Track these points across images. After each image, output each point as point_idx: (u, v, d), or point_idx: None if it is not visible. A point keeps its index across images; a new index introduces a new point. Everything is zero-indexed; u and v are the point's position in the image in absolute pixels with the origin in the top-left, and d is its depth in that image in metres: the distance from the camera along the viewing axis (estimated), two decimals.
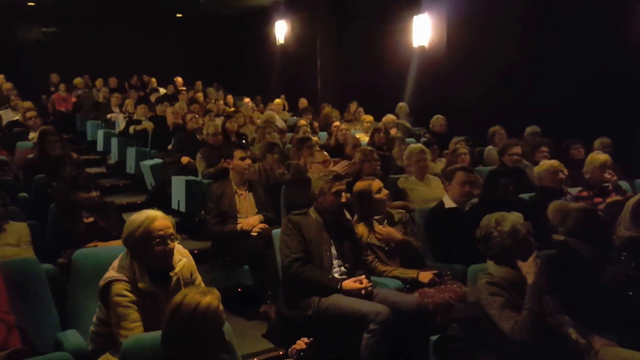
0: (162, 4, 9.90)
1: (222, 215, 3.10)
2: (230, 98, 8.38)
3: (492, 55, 5.75)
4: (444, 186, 2.98)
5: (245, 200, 3.19)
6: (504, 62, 5.61)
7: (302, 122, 5.72)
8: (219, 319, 1.44)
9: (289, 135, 5.40)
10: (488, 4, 5.89)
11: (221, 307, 1.46)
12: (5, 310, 1.78)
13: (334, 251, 2.43)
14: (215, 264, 3.15)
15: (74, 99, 7.95)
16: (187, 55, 11.08)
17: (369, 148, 3.89)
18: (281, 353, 2.46)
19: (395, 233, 2.58)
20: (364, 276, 2.33)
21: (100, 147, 6.50)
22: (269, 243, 2.77)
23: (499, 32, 5.69)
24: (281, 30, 9.46)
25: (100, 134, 6.52)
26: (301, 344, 1.62)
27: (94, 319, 1.81)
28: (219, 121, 5.20)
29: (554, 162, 3.28)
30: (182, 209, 4.03)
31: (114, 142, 6.10)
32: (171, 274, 1.80)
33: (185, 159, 4.57)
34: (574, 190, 3.39)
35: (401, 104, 6.65)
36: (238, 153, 3.22)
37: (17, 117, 6.05)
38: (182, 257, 1.86)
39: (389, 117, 5.89)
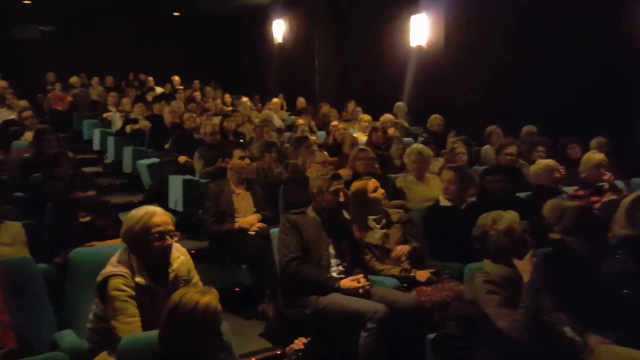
0: (160, 2, 9.86)
1: (220, 215, 3.10)
2: (228, 97, 8.36)
3: (490, 55, 5.77)
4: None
5: (243, 200, 3.19)
6: (501, 61, 5.63)
7: (301, 121, 5.72)
8: (218, 319, 1.44)
9: (287, 134, 5.40)
10: (485, 3, 5.91)
11: (220, 307, 1.46)
12: (0, 310, 1.77)
13: (332, 250, 2.43)
14: (213, 263, 3.15)
15: (70, 98, 7.91)
16: (185, 54, 11.04)
17: (364, 147, 3.90)
18: (279, 352, 2.46)
19: (403, 249, 2.54)
20: (361, 275, 2.34)
21: (96, 146, 6.46)
22: (267, 242, 2.77)
23: (496, 32, 5.70)
24: (279, 29, 9.44)
25: (96, 133, 6.49)
26: (299, 343, 1.61)
27: (91, 315, 1.81)
28: (216, 120, 5.19)
29: (550, 162, 3.30)
30: (180, 208, 4.02)
31: (111, 141, 6.07)
32: (169, 270, 1.80)
33: (182, 158, 4.56)
34: (570, 189, 3.41)
35: (399, 103, 6.66)
36: (237, 152, 3.23)
37: (12, 116, 6.01)
38: (180, 255, 1.86)
39: (387, 116, 5.90)
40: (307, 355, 1.60)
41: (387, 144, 4.55)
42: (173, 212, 3.96)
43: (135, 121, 6.05)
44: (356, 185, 2.72)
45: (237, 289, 3.09)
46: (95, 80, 8.68)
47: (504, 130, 4.74)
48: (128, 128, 6.00)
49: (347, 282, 2.30)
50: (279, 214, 3.26)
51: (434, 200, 3.00)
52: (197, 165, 4.27)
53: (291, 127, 5.81)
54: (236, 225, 3.05)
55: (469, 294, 2.13)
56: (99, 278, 1.74)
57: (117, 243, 1.96)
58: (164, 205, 4.05)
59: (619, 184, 3.57)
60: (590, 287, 2.08)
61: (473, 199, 3.00)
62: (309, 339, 1.63)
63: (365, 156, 3.57)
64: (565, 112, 4.96)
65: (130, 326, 1.65)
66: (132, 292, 1.70)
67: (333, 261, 2.42)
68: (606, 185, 3.36)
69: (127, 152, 5.60)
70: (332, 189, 2.44)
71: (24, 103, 6.28)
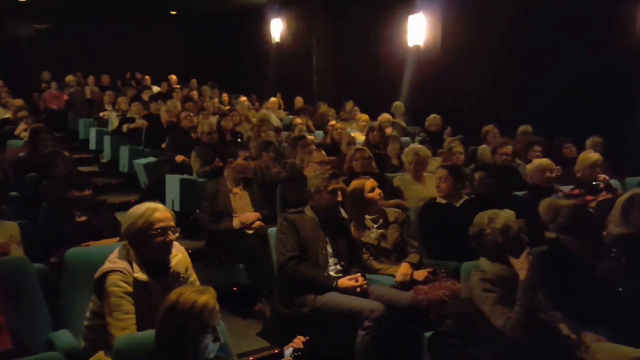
0: (157, 1, 9.81)
1: (217, 214, 3.09)
2: (225, 96, 8.34)
3: (486, 55, 5.79)
4: None
5: (240, 199, 3.18)
6: (498, 61, 5.66)
7: (298, 120, 5.72)
8: (215, 319, 1.44)
9: (284, 133, 5.39)
10: (482, 4, 5.93)
11: (217, 306, 1.46)
12: None
13: (329, 249, 2.44)
14: (210, 262, 3.14)
15: (65, 97, 7.87)
16: (182, 53, 10.99)
17: (361, 147, 3.90)
18: (277, 351, 2.46)
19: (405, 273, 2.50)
20: (359, 274, 2.34)
21: (92, 145, 6.44)
22: (264, 241, 2.77)
23: (493, 32, 5.73)
24: (277, 28, 9.43)
25: (92, 132, 6.46)
26: (298, 342, 1.61)
27: (88, 313, 1.80)
28: (213, 119, 5.17)
29: (544, 161, 3.31)
30: (177, 208, 4.01)
31: (107, 140, 6.05)
32: (168, 267, 1.80)
33: (179, 158, 4.54)
34: (566, 189, 3.43)
35: (397, 103, 6.67)
36: (243, 153, 3.22)
37: (7, 115, 5.98)
38: (178, 253, 1.87)
39: (385, 116, 5.91)
40: (305, 353, 1.60)
41: (385, 144, 4.56)
42: None
43: (132, 120, 6.02)
44: (354, 184, 2.73)
45: (235, 289, 3.08)
46: (91, 79, 8.63)
47: (501, 130, 4.76)
48: (125, 127, 5.97)
49: (344, 281, 2.30)
50: (276, 213, 3.25)
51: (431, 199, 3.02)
52: (194, 165, 4.26)
53: (289, 127, 5.81)
54: (236, 220, 3.04)
55: (465, 292, 2.14)
56: (97, 274, 1.74)
57: (113, 243, 1.95)
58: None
59: (614, 183, 3.59)
60: (585, 285, 2.09)
61: (467, 197, 3.01)
62: (307, 337, 1.62)
63: (362, 156, 3.57)
64: (561, 111, 4.99)
65: (123, 323, 1.65)
66: (130, 289, 1.69)
67: (330, 260, 2.42)
68: (601, 185, 3.38)
69: (124, 151, 5.58)
70: (329, 188, 2.44)
71: (19, 102, 6.24)
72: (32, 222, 2.71)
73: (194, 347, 1.42)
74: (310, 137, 4.54)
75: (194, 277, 1.90)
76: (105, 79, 8.95)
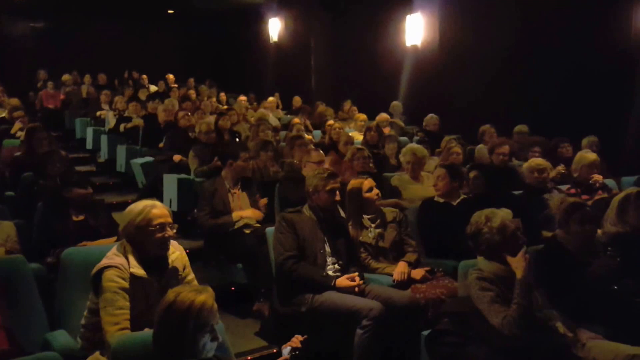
0: None
1: (216, 214, 3.08)
2: (223, 95, 8.33)
3: (484, 55, 5.81)
4: None
5: (238, 199, 3.18)
6: (495, 61, 5.67)
7: (296, 120, 5.71)
8: (213, 318, 1.44)
9: (282, 133, 5.39)
10: (479, 4, 5.95)
11: (215, 305, 1.46)
12: None
13: (327, 248, 2.44)
14: (208, 262, 3.14)
15: (62, 96, 7.83)
16: (179, 52, 10.95)
17: (359, 146, 3.91)
18: (275, 351, 2.46)
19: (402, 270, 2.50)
20: (357, 273, 2.35)
21: (89, 145, 6.41)
22: (262, 241, 2.77)
23: (491, 32, 5.74)
24: (275, 27, 9.42)
25: (89, 131, 6.43)
26: (296, 341, 1.61)
27: (85, 312, 1.80)
28: (211, 119, 5.16)
29: (538, 160, 3.33)
30: (174, 207, 3.99)
31: (104, 139, 6.02)
32: (166, 263, 1.81)
33: (177, 157, 4.53)
34: (562, 188, 3.45)
35: (395, 102, 6.68)
36: (244, 155, 3.23)
37: (3, 114, 5.94)
38: (175, 250, 1.88)
39: (383, 115, 5.91)
40: (303, 352, 1.60)
41: (383, 143, 4.56)
42: None
43: (129, 120, 6.01)
44: (352, 183, 2.73)
45: (233, 288, 3.08)
46: (87, 78, 8.59)
47: (497, 130, 4.78)
48: (122, 127, 5.95)
49: (342, 281, 2.30)
50: (274, 213, 3.25)
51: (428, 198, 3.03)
52: (192, 164, 4.25)
53: (287, 126, 5.81)
54: (236, 217, 3.03)
55: (462, 291, 2.15)
56: (94, 270, 1.74)
57: (110, 243, 1.95)
58: None
59: (609, 182, 3.61)
60: (581, 284, 2.10)
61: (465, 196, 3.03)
62: (305, 336, 1.63)
63: (361, 155, 3.58)
64: (557, 111, 5.01)
65: (116, 318, 1.65)
66: (125, 284, 1.70)
67: (329, 259, 2.42)
68: (598, 184, 3.40)
69: (121, 150, 5.56)
70: (328, 188, 2.44)
71: (15, 101, 6.20)
72: (28, 222, 2.71)
73: (192, 346, 1.42)
74: (308, 136, 4.54)
75: (191, 276, 1.91)
76: (102, 78, 8.91)
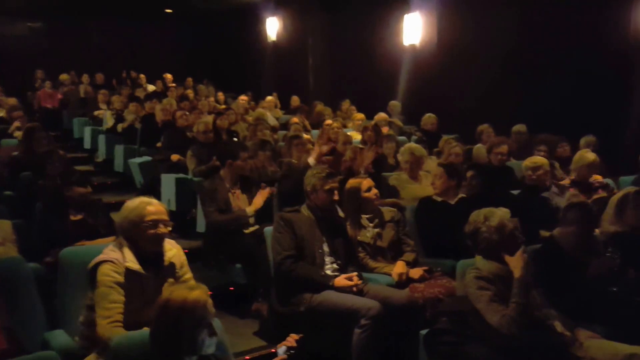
0: None
1: (221, 211, 3.06)
2: (221, 95, 8.33)
3: (482, 54, 5.82)
4: None
5: (238, 199, 3.17)
6: (494, 61, 5.68)
7: (295, 120, 5.70)
8: (208, 313, 1.45)
9: (281, 133, 5.39)
10: (478, 3, 5.95)
11: (210, 301, 1.47)
12: None
13: (326, 248, 2.44)
14: (207, 262, 3.13)
15: (60, 96, 7.81)
16: (177, 52, 10.94)
17: (360, 146, 3.91)
18: (273, 350, 2.45)
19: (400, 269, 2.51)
20: (355, 273, 2.35)
21: (87, 144, 6.40)
22: (260, 241, 2.77)
23: (489, 32, 5.75)
24: (272, 27, 9.41)
25: (87, 131, 6.42)
26: (291, 340, 1.61)
27: (83, 310, 1.80)
28: (209, 118, 5.16)
29: (534, 159, 3.31)
30: (173, 207, 3.99)
31: (102, 139, 6.02)
32: (162, 259, 1.82)
33: (175, 157, 4.52)
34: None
35: (393, 102, 6.69)
36: (244, 154, 3.22)
37: (1, 114, 5.93)
38: (172, 248, 1.89)
39: (381, 115, 5.92)
40: (300, 351, 1.60)
41: (380, 143, 4.56)
42: None
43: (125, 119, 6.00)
44: (351, 183, 2.74)
45: (232, 288, 3.08)
46: (85, 78, 8.58)
47: (495, 129, 4.79)
48: (119, 127, 5.95)
49: (341, 281, 2.31)
50: (273, 212, 3.25)
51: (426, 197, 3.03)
52: (190, 164, 4.25)
53: (285, 126, 5.80)
54: (250, 211, 3.01)
55: (460, 290, 2.15)
56: (90, 265, 1.76)
57: (108, 242, 1.95)
58: None
59: (608, 181, 3.62)
60: (579, 283, 2.11)
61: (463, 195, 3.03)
62: (300, 335, 1.63)
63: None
64: (556, 111, 5.02)
65: (108, 312, 1.66)
66: (120, 279, 1.71)
67: (327, 259, 2.43)
68: (597, 183, 3.40)
69: (119, 150, 5.55)
70: (326, 187, 2.44)
71: (12, 101, 6.20)
72: (26, 222, 2.70)
73: (190, 343, 1.42)
74: (306, 136, 4.53)
75: (189, 275, 1.91)
76: (100, 77, 8.89)
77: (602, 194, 3.23)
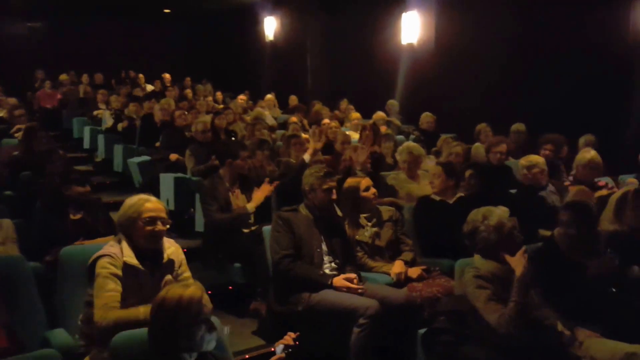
0: None
1: (220, 210, 3.07)
2: (219, 95, 8.33)
3: (480, 53, 5.82)
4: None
5: (237, 198, 3.18)
6: (492, 60, 5.68)
7: (294, 119, 5.71)
8: (205, 308, 1.45)
9: (279, 132, 5.39)
10: (476, 2, 5.95)
11: (205, 296, 1.47)
12: None
13: (324, 247, 2.44)
14: (206, 262, 3.14)
15: (59, 96, 7.82)
16: (176, 52, 10.95)
17: (360, 145, 3.91)
18: (272, 349, 2.47)
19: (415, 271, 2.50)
20: (355, 275, 2.35)
21: (87, 144, 6.41)
22: (259, 240, 2.77)
23: (487, 30, 5.75)
24: (270, 26, 9.42)
25: (86, 131, 6.43)
26: (288, 339, 1.61)
27: (83, 308, 1.82)
28: (207, 118, 5.16)
29: (530, 157, 3.28)
30: (171, 207, 4.00)
31: (101, 139, 6.02)
32: (161, 256, 1.84)
33: (173, 156, 4.53)
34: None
35: (391, 101, 6.69)
36: (244, 153, 3.23)
37: (1, 114, 5.94)
38: (170, 246, 1.90)
39: (379, 114, 5.92)
40: (298, 350, 1.61)
41: (379, 142, 4.56)
42: None
43: (127, 119, 6.00)
44: (349, 182, 2.74)
45: (230, 288, 3.09)
46: (84, 78, 8.59)
47: (494, 129, 4.79)
48: (119, 127, 5.95)
49: (340, 281, 2.31)
50: (271, 212, 3.25)
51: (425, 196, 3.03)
52: (189, 163, 4.26)
53: (284, 125, 5.81)
54: (251, 208, 3.01)
55: (459, 289, 2.15)
56: (89, 261, 1.78)
57: (107, 241, 1.95)
58: None
59: (607, 180, 3.62)
60: (579, 282, 2.10)
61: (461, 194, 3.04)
62: (297, 333, 1.63)
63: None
64: (555, 109, 5.02)
65: (105, 300, 1.67)
66: (118, 272, 1.73)
67: (325, 258, 2.43)
68: (600, 182, 3.39)
69: (118, 150, 5.56)
70: (324, 186, 2.44)
71: (13, 101, 6.21)
72: (26, 221, 2.71)
73: (188, 341, 1.43)
74: (304, 135, 4.54)
75: (187, 273, 1.92)
76: (99, 77, 8.91)
77: (604, 192, 3.20)
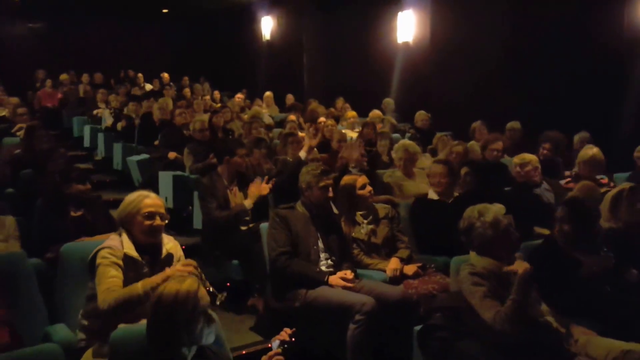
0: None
1: (220, 207, 3.09)
2: (217, 94, 8.35)
3: (475, 52, 5.83)
4: (429, 180, 3.05)
5: (235, 195, 3.20)
6: (487, 58, 5.70)
7: (292, 117, 5.72)
8: (202, 301, 1.48)
9: (276, 130, 5.41)
10: (471, 1, 5.96)
11: (202, 290, 1.50)
12: None
13: (320, 245, 2.46)
14: (204, 259, 3.16)
15: (60, 96, 7.84)
16: (174, 51, 10.96)
17: (351, 142, 3.92)
18: (269, 345, 2.49)
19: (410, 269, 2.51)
20: (349, 271, 2.37)
21: (87, 143, 6.43)
22: (257, 237, 2.80)
23: (482, 29, 5.77)
24: (267, 26, 9.44)
25: (86, 129, 6.45)
26: (285, 335, 1.63)
27: (84, 302, 1.85)
28: (205, 117, 5.19)
29: (523, 155, 3.30)
30: (170, 204, 4.02)
31: (101, 137, 6.04)
32: (161, 250, 1.88)
33: (172, 155, 4.55)
34: (562, 182, 3.46)
35: (387, 99, 6.70)
36: (240, 150, 3.24)
37: (3, 113, 5.96)
38: (169, 242, 1.94)
39: (375, 112, 5.93)
40: (294, 346, 1.62)
41: (375, 140, 4.58)
42: None
43: (127, 118, 6.02)
44: (346, 179, 2.76)
45: (228, 284, 3.11)
46: (85, 78, 8.62)
47: (489, 126, 4.81)
48: (118, 126, 5.97)
49: (335, 279, 2.33)
50: (268, 209, 3.28)
51: (421, 196, 3.05)
52: (187, 161, 4.28)
53: (281, 124, 5.83)
54: (249, 204, 3.03)
55: (454, 286, 2.16)
56: (90, 255, 1.82)
57: (107, 237, 1.98)
58: None
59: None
60: (574, 282, 2.09)
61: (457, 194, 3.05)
62: (294, 329, 1.65)
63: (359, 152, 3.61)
64: (549, 107, 5.04)
65: (106, 285, 1.71)
66: (119, 262, 1.78)
67: (322, 255, 2.45)
68: (603, 179, 3.39)
69: (117, 148, 5.58)
70: (321, 184, 2.46)
71: (15, 100, 6.23)
72: (27, 219, 2.72)
73: (187, 334, 1.45)
74: (301, 134, 4.56)
75: None
76: (98, 77, 8.94)
77: (606, 189, 3.19)
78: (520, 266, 1.89)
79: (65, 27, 9.92)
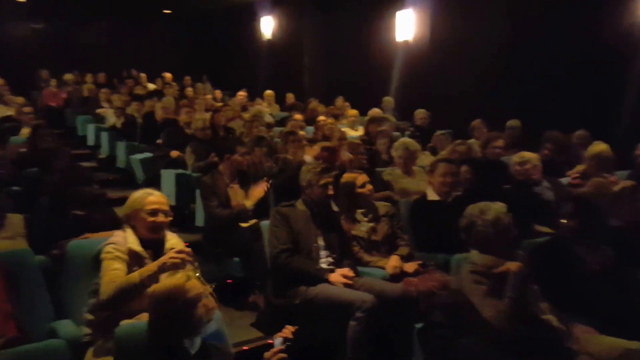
0: (151, 0, 9.85)
1: (221, 206, 3.11)
2: (218, 93, 8.37)
3: (475, 50, 5.83)
4: (429, 179, 3.05)
5: (236, 193, 3.23)
6: (486, 56, 5.69)
7: (297, 116, 5.73)
8: (194, 291, 1.51)
9: (277, 129, 5.43)
10: None
11: (194, 280, 1.53)
12: (1, 299, 1.81)
13: (321, 242, 2.48)
14: (206, 256, 3.19)
15: (64, 95, 7.88)
16: (176, 51, 11.01)
17: (357, 141, 3.94)
18: (270, 341, 2.51)
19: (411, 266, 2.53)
20: (349, 269, 2.38)
21: (91, 141, 6.48)
22: (258, 235, 2.82)
23: (481, 27, 5.76)
24: (268, 25, 9.46)
25: (90, 128, 6.50)
26: (287, 332, 1.64)
27: (89, 298, 1.88)
28: (207, 116, 5.22)
29: (522, 153, 3.29)
30: (172, 202, 4.04)
31: (104, 136, 6.09)
32: (164, 246, 1.93)
33: (174, 153, 4.59)
34: (568, 180, 3.45)
35: (387, 98, 6.71)
36: (240, 149, 3.27)
37: (9, 112, 6.01)
38: (172, 238, 1.99)
39: (375, 111, 5.94)
40: (295, 342, 1.64)
41: (375, 139, 4.59)
42: None
43: (129, 117, 6.06)
44: (346, 177, 2.77)
45: (230, 281, 3.14)
46: (89, 77, 8.67)
47: (488, 125, 4.81)
48: (118, 122, 6.02)
49: (335, 277, 2.34)
50: (269, 207, 3.30)
51: (421, 194, 3.05)
52: (189, 160, 4.32)
53: (282, 123, 5.85)
54: (250, 205, 3.07)
55: (455, 284, 2.15)
56: (95, 251, 1.88)
57: (112, 235, 2.01)
58: None
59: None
60: (576, 279, 2.09)
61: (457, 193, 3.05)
62: (296, 327, 1.66)
63: (359, 151, 3.63)
64: (549, 106, 5.04)
65: (109, 277, 1.76)
66: (124, 256, 1.83)
67: (322, 253, 2.47)
68: (614, 177, 3.38)
69: (121, 147, 5.62)
70: (321, 182, 2.48)
71: (20, 99, 6.29)
72: (32, 216, 2.75)
73: (187, 325, 1.48)
74: (301, 132, 4.58)
75: (188, 267, 1.98)
76: (102, 77, 8.99)
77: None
78: (512, 265, 1.90)
79: (67, 27, 10.00)
